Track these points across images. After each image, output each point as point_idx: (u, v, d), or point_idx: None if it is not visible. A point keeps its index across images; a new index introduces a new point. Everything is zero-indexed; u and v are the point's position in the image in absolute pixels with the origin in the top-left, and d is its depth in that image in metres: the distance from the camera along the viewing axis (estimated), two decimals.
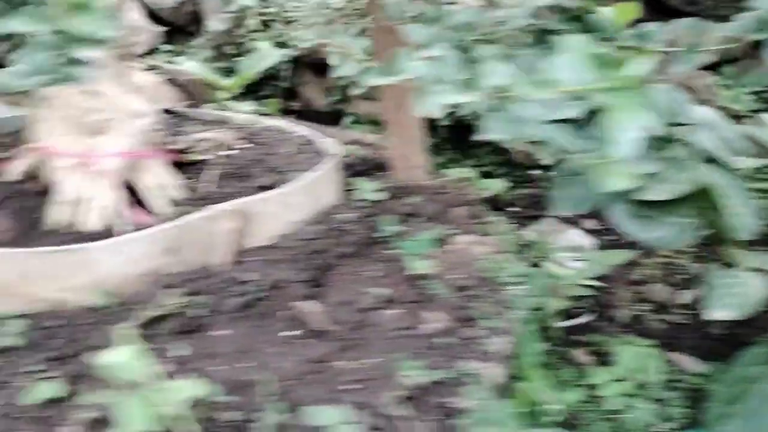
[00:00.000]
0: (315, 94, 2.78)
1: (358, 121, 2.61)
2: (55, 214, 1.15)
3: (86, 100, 1.16)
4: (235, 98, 2.43)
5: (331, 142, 1.54)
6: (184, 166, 1.36)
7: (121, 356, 0.77)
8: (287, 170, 1.40)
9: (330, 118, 2.71)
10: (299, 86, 2.87)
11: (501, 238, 1.31)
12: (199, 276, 1.07)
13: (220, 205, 1.12)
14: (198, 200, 1.26)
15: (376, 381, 0.95)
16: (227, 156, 1.43)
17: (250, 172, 1.39)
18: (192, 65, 2.37)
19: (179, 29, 2.79)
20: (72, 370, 0.93)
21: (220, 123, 1.68)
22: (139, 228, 1.15)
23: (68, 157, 1.17)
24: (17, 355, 0.95)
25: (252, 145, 1.51)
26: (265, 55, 2.41)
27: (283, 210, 1.20)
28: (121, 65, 1.25)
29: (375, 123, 2.70)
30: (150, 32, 2.56)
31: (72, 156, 1.17)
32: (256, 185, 1.33)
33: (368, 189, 1.40)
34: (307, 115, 2.68)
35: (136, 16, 2.38)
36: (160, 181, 1.25)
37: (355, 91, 2.61)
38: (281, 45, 2.65)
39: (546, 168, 1.89)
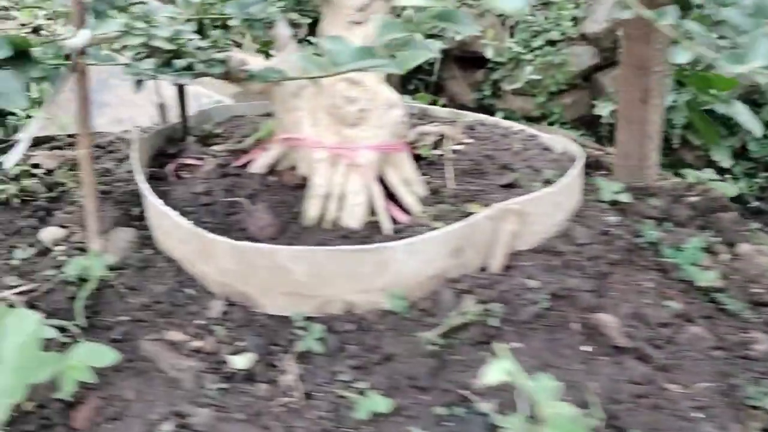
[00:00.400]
0: (461, 89, 2.68)
1: (509, 117, 2.50)
2: (312, 210, 1.08)
3: (348, 89, 1.09)
4: None
5: (555, 138, 1.44)
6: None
7: (502, 373, 0.69)
8: (521, 167, 1.30)
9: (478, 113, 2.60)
10: (446, 80, 2.78)
11: None
12: (485, 280, 0.98)
13: (500, 204, 1.02)
14: (448, 198, 1.17)
15: (720, 409, 0.83)
16: (454, 152, 1.35)
17: (484, 169, 1.29)
18: None
19: None
20: (381, 381, 0.85)
21: (425, 116, 1.61)
22: (396, 225, 1.08)
23: (323, 149, 1.11)
24: (317, 361, 0.88)
25: (473, 140, 1.42)
26: (423, 47, 2.32)
27: (553, 211, 1.10)
28: None
29: (528, 119, 2.59)
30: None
31: (327, 148, 1.11)
32: (498, 183, 1.24)
33: (610, 190, 1.28)
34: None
35: None
36: (407, 176, 1.17)
37: (509, 86, 2.50)
38: (431, 36, 2.56)
39: None
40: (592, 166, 1.54)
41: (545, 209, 1.09)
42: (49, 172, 1.33)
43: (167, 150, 1.28)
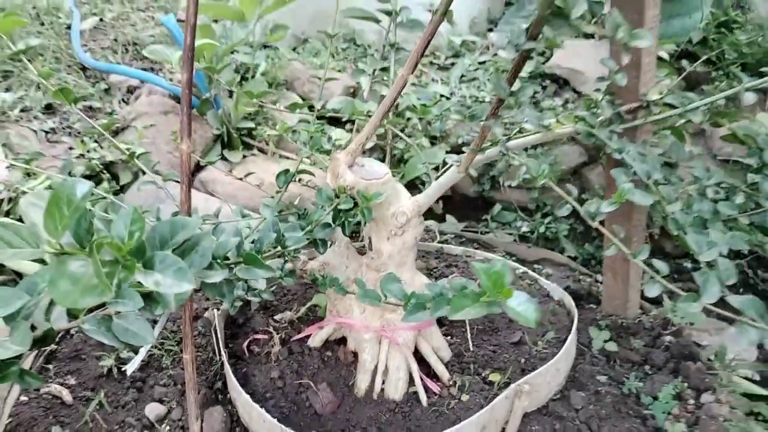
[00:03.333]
0: (464, 182, 2.95)
1: (507, 209, 2.77)
2: (362, 383, 1.36)
3: (361, 274, 1.36)
4: None
5: (552, 286, 1.72)
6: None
7: None
8: None
9: (478, 204, 2.89)
10: None
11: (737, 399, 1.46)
12: None
13: (515, 385, 1.30)
14: (469, 362, 1.45)
15: None
16: None
17: (497, 325, 1.57)
18: None
19: None
20: None
21: (441, 254, 1.88)
22: (429, 395, 1.35)
23: (370, 332, 1.38)
24: None
25: None
26: (430, 155, 2.60)
27: (555, 377, 1.38)
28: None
29: (525, 210, 2.87)
30: None
31: (372, 329, 1.38)
32: (509, 341, 1.52)
33: (601, 339, 1.57)
34: (454, 201, 2.87)
35: None
36: (435, 344, 1.45)
37: (506, 182, 2.78)
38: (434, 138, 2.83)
39: None
40: (584, 298, 1.83)
41: (549, 378, 1.37)
42: None
43: (237, 319, 1.55)
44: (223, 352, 1.38)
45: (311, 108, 1.74)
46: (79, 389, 1.41)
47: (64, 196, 0.71)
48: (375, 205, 1.24)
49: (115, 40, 3.60)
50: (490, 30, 3.62)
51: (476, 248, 2.02)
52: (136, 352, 1.45)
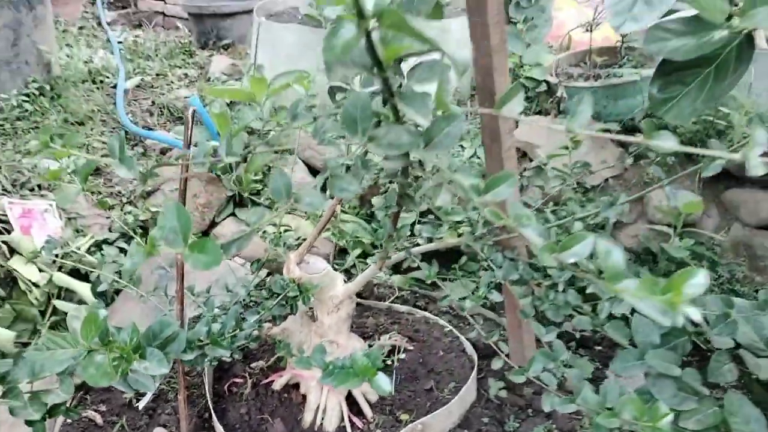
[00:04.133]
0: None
1: (473, 259, 3.24)
2: (307, 418, 1.88)
3: (310, 338, 1.88)
4: None
5: (466, 343, 2.21)
6: None
7: None
8: (442, 371, 2.08)
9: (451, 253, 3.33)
10: None
11: None
12: None
13: (412, 425, 1.80)
14: (387, 405, 1.95)
15: None
16: (398, 360, 2.13)
17: (417, 374, 2.07)
18: None
19: None
20: None
21: (390, 312, 2.39)
22: (354, 429, 1.86)
23: (314, 380, 1.90)
24: None
25: (413, 346, 2.20)
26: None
27: (447, 418, 1.88)
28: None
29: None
30: None
31: (316, 379, 1.90)
32: (424, 388, 2.02)
33: (497, 387, 2.05)
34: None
35: None
36: (365, 389, 1.96)
37: None
38: None
39: None
40: (491, 355, 2.30)
41: (442, 419, 1.86)
42: None
43: (224, 364, 2.10)
44: (207, 393, 1.93)
45: None
46: (108, 414, 1.97)
47: (94, 316, 1.26)
48: (316, 291, 1.76)
49: (153, 102, 4.23)
50: None
51: (421, 306, 2.52)
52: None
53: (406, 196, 1.38)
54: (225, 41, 5.31)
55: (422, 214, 2.48)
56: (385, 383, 1.35)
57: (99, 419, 1.95)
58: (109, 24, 6.16)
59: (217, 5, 5.24)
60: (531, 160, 3.28)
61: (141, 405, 1.77)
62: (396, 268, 2.78)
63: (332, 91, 1.38)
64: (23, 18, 3.83)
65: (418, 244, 1.93)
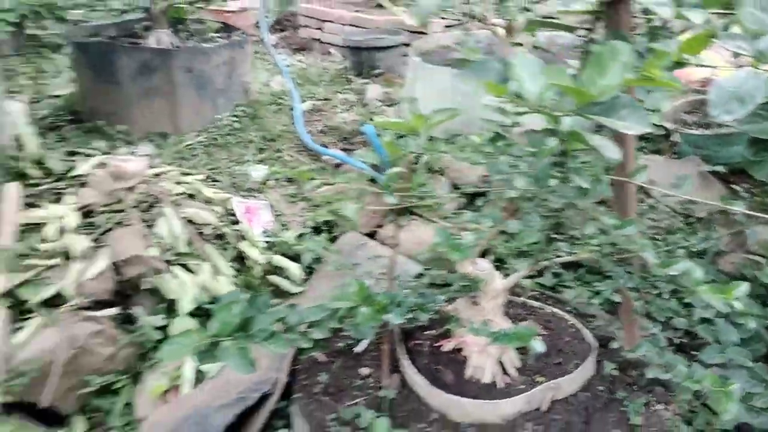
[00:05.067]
0: None
1: (591, 271, 3.89)
2: (467, 373, 2.64)
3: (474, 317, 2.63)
4: None
5: (587, 333, 2.89)
6: None
7: None
8: (568, 351, 2.77)
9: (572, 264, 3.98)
10: None
11: None
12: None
13: (546, 383, 2.52)
14: (528, 370, 2.67)
15: None
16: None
17: (549, 352, 2.78)
18: None
19: None
20: None
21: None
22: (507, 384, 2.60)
23: (475, 345, 2.66)
24: None
25: (546, 330, 2.91)
26: None
27: (571, 385, 2.58)
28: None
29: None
30: None
31: (476, 345, 2.66)
32: (553, 362, 2.72)
33: (609, 367, 2.72)
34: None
35: None
36: (512, 356, 2.69)
37: None
38: None
39: None
40: (606, 344, 2.97)
41: (569, 384, 2.56)
42: None
43: (411, 332, 2.91)
44: (398, 347, 2.74)
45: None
46: (327, 357, 2.84)
47: (363, 285, 2.10)
48: (481, 284, 2.54)
49: (324, 125, 5.18)
50: None
51: (550, 303, 3.22)
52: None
53: (560, 224, 2.12)
54: (377, 70, 6.21)
55: (556, 231, 3.19)
56: (539, 345, 2.10)
57: (322, 357, 2.81)
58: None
59: (373, 39, 6.16)
60: (647, 193, 3.87)
61: (358, 349, 2.60)
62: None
63: (531, 134, 2.12)
64: (236, 55, 4.89)
65: (559, 256, 2.65)
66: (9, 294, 2.98)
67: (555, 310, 3.08)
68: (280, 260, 3.63)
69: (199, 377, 3.17)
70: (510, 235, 3.46)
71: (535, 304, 3.14)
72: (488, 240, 2.56)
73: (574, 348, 2.80)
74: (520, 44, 4.53)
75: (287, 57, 7.11)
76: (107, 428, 3.04)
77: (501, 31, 4.99)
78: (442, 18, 6.65)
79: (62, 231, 3.30)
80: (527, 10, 4.70)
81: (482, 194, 4.09)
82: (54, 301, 3.06)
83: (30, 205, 3.51)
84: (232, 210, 3.86)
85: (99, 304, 3.13)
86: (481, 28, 4.77)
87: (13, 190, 3.41)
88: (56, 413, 3.05)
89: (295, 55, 7.32)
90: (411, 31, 6.46)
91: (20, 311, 3.01)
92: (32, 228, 3.35)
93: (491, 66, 1.53)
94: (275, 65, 6.49)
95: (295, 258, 3.73)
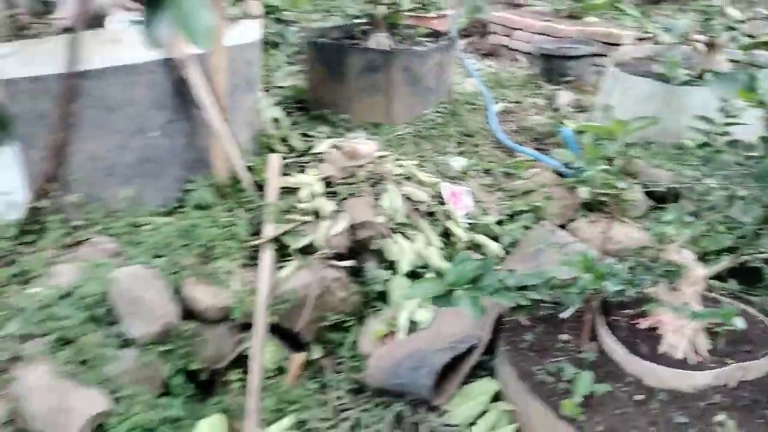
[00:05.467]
0: None
1: None
2: (662, 348, 2.98)
3: (673, 300, 2.95)
4: None
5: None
6: None
7: None
8: (757, 342, 3.01)
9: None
10: None
11: None
12: None
13: (737, 364, 2.80)
14: (719, 353, 2.95)
15: None
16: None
17: (749, 338, 3.03)
18: None
19: None
20: None
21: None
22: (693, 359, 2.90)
23: (670, 324, 2.99)
24: None
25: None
26: None
27: (759, 370, 2.83)
28: None
29: None
30: None
31: (672, 324, 2.99)
32: (743, 350, 2.97)
33: None
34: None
35: None
36: (701, 340, 2.99)
37: None
38: None
39: None
40: None
41: (757, 369, 2.81)
42: None
43: (609, 308, 3.29)
44: (598, 321, 3.14)
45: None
46: (530, 321, 3.30)
47: (588, 256, 2.55)
48: (684, 272, 2.87)
49: (517, 126, 5.64)
50: None
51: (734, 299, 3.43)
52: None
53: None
54: (567, 78, 6.56)
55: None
56: (740, 322, 2.43)
57: (526, 322, 3.29)
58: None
59: (566, 48, 6.51)
60: None
61: (565, 315, 3.04)
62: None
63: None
64: (444, 58, 5.50)
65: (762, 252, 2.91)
66: (276, 240, 3.78)
67: (745, 307, 3.31)
68: (482, 239, 4.15)
69: (412, 328, 3.77)
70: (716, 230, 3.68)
71: (726, 299, 3.38)
72: (695, 235, 2.89)
73: (763, 341, 3.03)
74: (736, 61, 4.69)
75: (476, 61, 7.65)
76: (338, 357, 3.74)
77: (701, 47, 5.15)
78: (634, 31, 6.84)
79: (312, 195, 4.08)
80: (732, 29, 4.84)
81: (674, 199, 4.32)
82: (307, 249, 3.81)
83: (283, 174, 4.33)
84: (440, 193, 4.44)
85: (338, 256, 3.85)
86: (683, 44, 4.97)
87: (275, 160, 4.24)
88: (298, 341, 3.81)
89: (484, 60, 7.85)
90: (604, 42, 6.72)
91: (282, 255, 3.80)
92: (288, 191, 4.16)
93: (738, 77, 1.91)
94: (466, 69, 7.06)
95: (495, 239, 4.23)
